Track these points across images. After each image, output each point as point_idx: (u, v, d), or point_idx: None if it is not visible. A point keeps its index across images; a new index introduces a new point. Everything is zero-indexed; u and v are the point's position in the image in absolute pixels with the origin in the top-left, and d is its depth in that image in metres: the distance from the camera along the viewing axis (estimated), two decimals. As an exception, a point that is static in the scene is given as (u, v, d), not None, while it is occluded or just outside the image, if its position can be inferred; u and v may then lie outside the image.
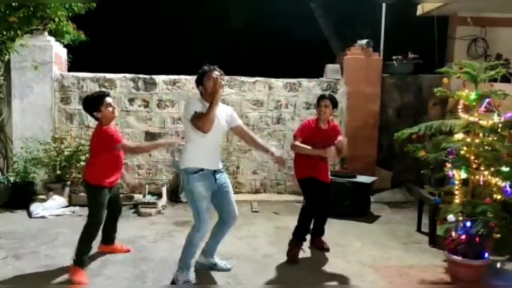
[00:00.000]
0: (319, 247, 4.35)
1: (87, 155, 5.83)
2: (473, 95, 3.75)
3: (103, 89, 6.06)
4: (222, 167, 3.66)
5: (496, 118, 3.67)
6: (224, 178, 3.62)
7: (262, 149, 3.72)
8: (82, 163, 5.77)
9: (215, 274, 3.75)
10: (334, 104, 4.24)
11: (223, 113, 3.53)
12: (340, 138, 4.08)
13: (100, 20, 7.96)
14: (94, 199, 3.77)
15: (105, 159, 3.72)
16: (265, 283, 3.65)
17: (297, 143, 4.14)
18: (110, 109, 3.74)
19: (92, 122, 6.29)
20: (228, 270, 3.80)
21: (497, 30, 6.40)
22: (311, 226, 4.29)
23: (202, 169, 3.42)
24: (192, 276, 3.54)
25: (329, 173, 4.44)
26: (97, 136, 3.75)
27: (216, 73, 3.42)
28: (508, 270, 3.89)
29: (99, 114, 3.74)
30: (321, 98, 4.26)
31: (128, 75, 6.45)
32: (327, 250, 4.31)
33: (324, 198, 4.26)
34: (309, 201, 4.17)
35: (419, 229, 5.04)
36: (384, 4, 6.94)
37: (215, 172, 3.52)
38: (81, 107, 6.30)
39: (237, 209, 3.69)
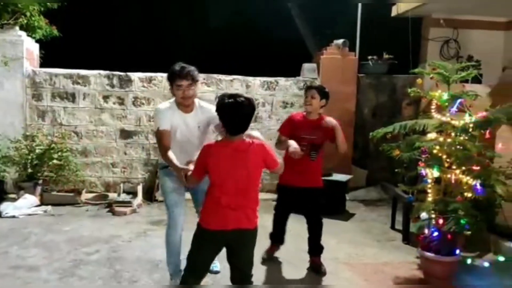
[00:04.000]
0: (313, 268, 3.88)
1: (59, 153, 5.71)
2: (445, 96, 3.84)
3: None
4: None
5: (467, 118, 3.76)
6: None
7: None
8: (55, 161, 5.65)
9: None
10: (323, 95, 3.82)
11: (198, 117, 3.37)
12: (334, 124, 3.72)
13: (74, 15, 7.78)
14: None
15: None
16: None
17: (281, 140, 3.80)
18: None
19: (65, 120, 6.18)
20: (215, 273, 3.69)
21: (468, 32, 6.56)
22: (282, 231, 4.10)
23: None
24: (176, 275, 3.40)
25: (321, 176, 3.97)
26: (259, 154, 2.71)
27: (185, 83, 3.22)
28: (478, 266, 3.99)
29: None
30: (307, 88, 3.93)
31: (102, 72, 6.33)
32: (322, 273, 3.81)
33: (309, 206, 3.88)
34: (275, 209, 4.08)
35: (393, 227, 5.13)
36: (359, 5, 7.03)
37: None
38: (53, 104, 6.22)
39: None
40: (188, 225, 3.31)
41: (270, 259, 4.07)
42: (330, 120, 3.78)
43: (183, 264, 3.04)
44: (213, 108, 2.96)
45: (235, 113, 2.58)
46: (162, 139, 3.27)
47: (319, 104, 3.83)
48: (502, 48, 6.49)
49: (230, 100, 2.59)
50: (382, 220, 5.42)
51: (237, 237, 2.68)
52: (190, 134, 3.35)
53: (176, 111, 3.34)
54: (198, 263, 2.80)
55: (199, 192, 3.47)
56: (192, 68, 3.29)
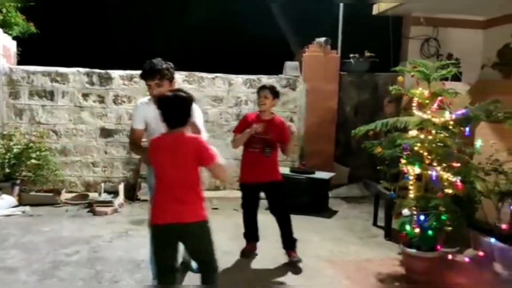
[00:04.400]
0: (289, 262, 3.94)
1: (37, 153, 5.59)
2: (426, 93, 3.88)
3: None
4: None
5: (447, 116, 3.80)
6: None
7: None
8: (33, 160, 5.53)
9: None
10: (275, 94, 3.97)
11: None
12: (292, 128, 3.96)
13: (52, 11, 7.63)
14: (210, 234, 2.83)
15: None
16: (225, 281, 3.63)
17: (235, 138, 4.01)
18: None
19: (43, 118, 6.05)
20: (197, 272, 3.60)
21: (448, 30, 6.63)
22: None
23: None
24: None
25: (279, 168, 4.09)
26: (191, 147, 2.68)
27: (152, 82, 3.17)
28: (459, 261, 4.06)
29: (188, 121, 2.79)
30: (260, 89, 4.01)
31: (82, 70, 6.22)
32: (294, 264, 3.89)
33: (273, 200, 4.00)
34: (241, 207, 4.16)
35: (375, 223, 5.17)
36: (341, 3, 7.05)
37: None
38: (31, 102, 6.08)
39: None
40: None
41: (248, 257, 4.07)
42: (291, 125, 4.08)
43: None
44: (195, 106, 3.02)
45: (170, 107, 2.65)
46: (132, 136, 3.44)
47: (272, 104, 3.99)
48: (481, 46, 6.58)
49: (167, 95, 2.70)
50: (364, 217, 5.46)
51: (182, 231, 2.69)
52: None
53: (152, 105, 3.26)
54: (159, 262, 2.81)
55: None
56: (162, 66, 3.21)
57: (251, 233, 4.17)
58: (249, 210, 4.12)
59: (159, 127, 3.17)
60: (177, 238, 2.74)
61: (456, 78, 5.19)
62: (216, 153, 2.69)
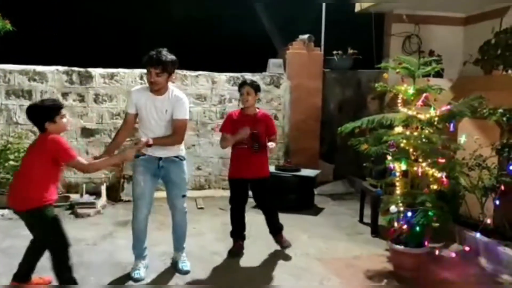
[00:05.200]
0: (279, 245, 4.19)
1: (16, 154, 5.43)
2: (411, 90, 3.89)
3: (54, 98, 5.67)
4: (179, 156, 3.65)
5: (432, 112, 3.83)
6: (174, 168, 3.61)
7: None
8: (11, 162, 5.36)
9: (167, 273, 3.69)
10: (256, 88, 4.00)
11: (168, 102, 3.50)
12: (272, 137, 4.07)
13: (29, 8, 7.42)
14: (48, 223, 3.09)
15: (49, 174, 3.10)
16: (214, 282, 3.59)
17: (223, 137, 4.02)
18: (65, 120, 3.14)
19: (21, 119, 5.88)
20: (184, 273, 3.66)
21: (429, 27, 6.70)
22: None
23: (144, 154, 3.50)
24: (140, 266, 3.59)
25: (268, 166, 4.16)
26: (47, 147, 3.01)
27: (153, 70, 3.40)
28: (445, 256, 4.10)
29: (51, 125, 3.05)
30: (241, 85, 4.03)
31: (61, 68, 6.07)
32: (285, 247, 4.16)
33: (258, 195, 4.13)
34: (230, 202, 4.15)
35: (361, 220, 5.18)
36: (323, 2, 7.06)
37: (160, 159, 3.56)
38: (8, 102, 5.90)
39: (181, 203, 3.68)
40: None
41: (236, 256, 4.02)
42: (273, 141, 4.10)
43: (148, 251, 3.69)
44: (184, 98, 3.54)
45: (28, 117, 3.13)
46: (124, 119, 3.68)
47: (255, 99, 4.01)
48: (461, 43, 6.67)
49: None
50: (350, 214, 5.47)
51: (21, 218, 3.13)
52: (157, 117, 3.50)
53: (146, 92, 3.51)
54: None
55: (169, 183, 3.66)
56: (167, 59, 3.39)
57: (239, 231, 4.12)
58: (237, 205, 4.10)
59: (150, 113, 3.50)
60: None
61: (438, 74, 5.26)
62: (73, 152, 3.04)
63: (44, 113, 3.06)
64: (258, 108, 4.13)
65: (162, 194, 3.83)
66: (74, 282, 3.18)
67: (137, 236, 3.61)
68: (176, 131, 3.50)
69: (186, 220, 3.76)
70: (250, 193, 4.13)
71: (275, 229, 4.19)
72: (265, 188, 4.10)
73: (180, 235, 3.78)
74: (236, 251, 4.07)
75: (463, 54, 6.40)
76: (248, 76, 6.56)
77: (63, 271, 3.14)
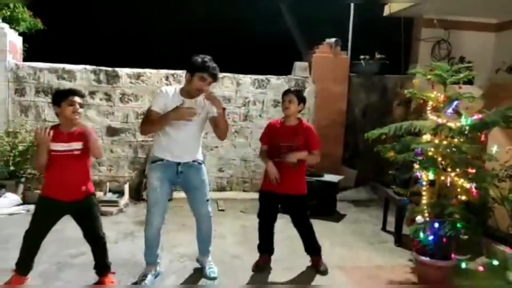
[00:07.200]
0: (314, 268, 3.89)
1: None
2: (441, 97, 3.79)
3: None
4: (197, 160, 3.52)
5: (463, 121, 3.71)
6: (194, 173, 3.49)
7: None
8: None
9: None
10: (301, 99, 3.75)
11: (200, 104, 3.43)
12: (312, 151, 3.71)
13: (59, 8, 7.56)
14: (98, 207, 3.59)
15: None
16: (234, 285, 3.56)
17: (262, 150, 3.86)
18: (71, 108, 3.16)
19: (49, 116, 5.98)
20: (211, 279, 3.60)
21: (460, 33, 6.55)
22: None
23: (162, 160, 3.40)
24: (150, 274, 3.51)
25: (305, 183, 3.84)
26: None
27: (210, 79, 3.37)
28: (471, 269, 3.96)
29: (57, 109, 3.21)
30: (285, 93, 3.79)
31: (89, 67, 6.16)
32: (321, 272, 3.82)
33: (291, 213, 3.83)
34: (258, 217, 3.90)
35: (384, 228, 5.08)
36: (352, 4, 6.97)
37: (179, 164, 3.43)
38: (37, 99, 6.02)
39: (206, 208, 3.60)
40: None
41: (262, 271, 3.82)
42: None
43: (160, 258, 3.64)
44: None
45: None
46: (146, 116, 3.38)
47: (297, 109, 3.75)
48: (492, 49, 6.50)
49: None
50: (373, 222, 5.37)
51: (70, 210, 3.42)
52: (195, 120, 3.37)
53: (178, 96, 3.39)
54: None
55: (191, 189, 3.53)
56: (218, 72, 3.42)
57: (266, 246, 3.93)
58: (266, 220, 3.86)
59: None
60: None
61: (468, 81, 5.12)
62: None
63: (53, 97, 3.28)
64: (300, 119, 3.84)
65: (182, 195, 3.78)
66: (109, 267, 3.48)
67: (150, 244, 3.51)
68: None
69: (211, 224, 3.67)
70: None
71: (312, 250, 3.92)
72: (298, 207, 3.81)
73: (206, 239, 3.71)
74: (261, 265, 3.87)
75: (493, 61, 6.22)
76: (273, 79, 6.54)
77: (108, 257, 3.46)
